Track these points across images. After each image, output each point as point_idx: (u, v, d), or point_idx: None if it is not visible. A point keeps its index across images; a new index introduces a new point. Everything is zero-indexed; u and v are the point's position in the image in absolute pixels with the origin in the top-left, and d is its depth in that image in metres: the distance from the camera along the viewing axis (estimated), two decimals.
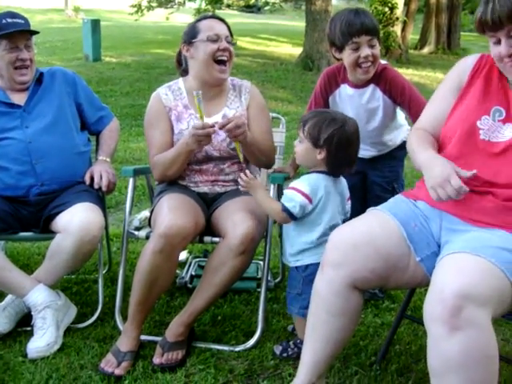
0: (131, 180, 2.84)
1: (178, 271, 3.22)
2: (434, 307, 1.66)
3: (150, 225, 2.66)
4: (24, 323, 2.67)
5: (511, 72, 1.96)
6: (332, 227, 2.28)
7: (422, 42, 20.33)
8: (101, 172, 2.83)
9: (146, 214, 2.82)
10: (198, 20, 2.76)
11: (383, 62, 2.75)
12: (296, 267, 2.37)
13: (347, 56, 2.63)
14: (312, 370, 2.06)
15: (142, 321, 2.53)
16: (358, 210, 2.35)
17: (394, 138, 2.92)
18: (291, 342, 2.53)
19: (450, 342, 1.61)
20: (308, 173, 2.36)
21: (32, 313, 2.59)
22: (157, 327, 2.75)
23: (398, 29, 16.04)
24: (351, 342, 2.56)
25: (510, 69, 1.94)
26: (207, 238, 2.59)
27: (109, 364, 2.39)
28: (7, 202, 2.70)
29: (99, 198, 2.83)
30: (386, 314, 2.90)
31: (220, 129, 2.49)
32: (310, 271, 2.28)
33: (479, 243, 1.79)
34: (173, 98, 2.78)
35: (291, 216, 2.28)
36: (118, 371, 2.36)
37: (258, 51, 16.51)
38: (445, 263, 1.77)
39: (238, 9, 39.92)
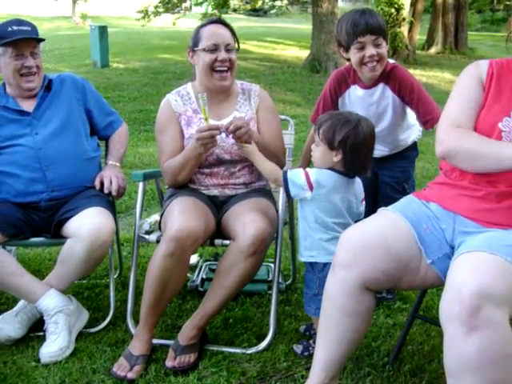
0: (141, 184, 2.85)
1: (189, 275, 3.22)
2: (451, 307, 1.65)
3: (160, 228, 2.67)
4: (36, 328, 2.68)
5: None
6: (340, 225, 2.29)
7: (429, 42, 20.27)
8: (111, 177, 2.84)
9: (156, 217, 2.82)
10: (203, 25, 2.75)
11: (392, 61, 2.75)
12: (312, 267, 2.37)
13: (353, 55, 2.65)
14: (325, 371, 2.05)
15: (154, 324, 2.53)
16: (368, 209, 2.35)
17: (406, 138, 2.92)
18: (311, 341, 2.53)
19: (467, 342, 1.60)
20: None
21: (44, 318, 2.59)
22: (168, 331, 2.76)
23: (404, 29, 16.02)
24: (363, 343, 2.55)
25: None
26: (218, 241, 2.59)
27: (121, 368, 2.39)
28: (18, 208, 2.71)
29: (109, 202, 2.84)
30: (397, 314, 2.89)
31: (224, 131, 2.50)
32: (327, 271, 2.27)
33: (494, 242, 1.78)
34: (182, 103, 2.79)
35: (286, 184, 2.32)
36: (130, 375, 2.37)
37: (265, 54, 16.52)
38: (461, 262, 1.76)
39: (245, 13, 40.01)
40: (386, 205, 2.20)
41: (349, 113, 2.39)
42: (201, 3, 16.70)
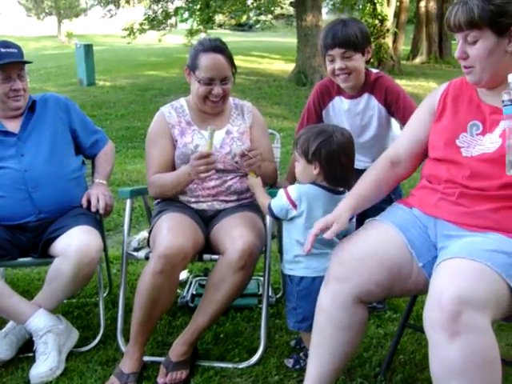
0: (128, 201, 2.85)
1: (178, 291, 3.22)
2: (432, 314, 1.67)
3: (148, 245, 2.66)
4: (26, 349, 2.65)
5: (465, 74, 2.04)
6: (322, 241, 2.28)
7: (414, 53, 20.47)
8: (98, 195, 2.83)
9: (144, 234, 2.82)
10: (202, 49, 2.70)
11: (375, 70, 2.77)
12: (290, 280, 2.37)
13: (327, 67, 2.69)
14: None
15: (145, 342, 2.52)
16: (357, 221, 2.35)
17: None
18: (302, 354, 2.53)
19: (450, 348, 1.61)
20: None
21: (33, 338, 2.57)
22: (159, 348, 2.74)
23: (389, 40, 16.20)
24: (355, 354, 2.54)
25: (463, 70, 2.03)
26: (206, 256, 2.59)
27: None
28: (5, 229, 2.69)
29: (97, 220, 2.83)
30: (388, 324, 2.90)
31: (241, 158, 2.59)
32: (303, 286, 2.30)
33: (474, 247, 1.80)
34: (176, 115, 2.82)
35: (272, 213, 2.35)
36: None
37: (251, 69, 16.59)
38: (441, 269, 1.78)
39: (230, 28, 40.21)
40: (374, 216, 2.22)
41: (325, 125, 2.42)
42: (186, 19, 16.76)
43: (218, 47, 2.70)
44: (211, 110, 2.77)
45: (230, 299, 2.48)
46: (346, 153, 2.29)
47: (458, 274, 1.70)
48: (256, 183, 2.57)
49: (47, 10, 41.93)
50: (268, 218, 2.65)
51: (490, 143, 1.97)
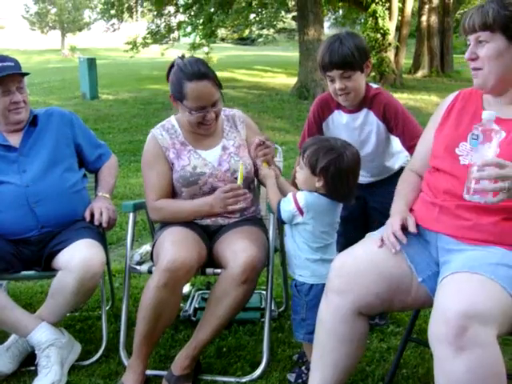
0: (131, 215, 2.86)
1: (181, 304, 3.21)
2: (438, 328, 1.67)
3: (152, 259, 2.66)
4: (28, 363, 2.65)
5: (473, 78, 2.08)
6: (330, 247, 2.33)
7: (416, 66, 20.52)
8: (101, 208, 2.84)
9: (147, 248, 2.82)
10: (186, 78, 2.57)
11: (375, 86, 2.78)
12: (298, 291, 2.38)
13: (329, 86, 2.70)
14: None
15: (147, 355, 2.52)
16: (359, 235, 2.35)
17: (392, 165, 2.93)
18: (304, 368, 2.52)
19: (455, 363, 1.62)
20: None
21: (36, 352, 2.57)
22: (162, 361, 2.74)
23: (391, 54, 16.25)
24: (358, 368, 2.54)
25: (472, 73, 2.06)
26: (209, 270, 2.59)
27: None
28: (8, 242, 2.70)
29: (100, 234, 2.84)
30: (391, 338, 2.89)
31: (257, 148, 2.57)
32: (313, 295, 2.31)
33: (477, 261, 1.81)
34: (168, 137, 2.75)
35: (279, 214, 2.37)
36: None
37: (254, 82, 16.66)
38: (446, 284, 1.79)
39: (232, 41, 40.42)
40: (376, 230, 2.22)
41: (335, 139, 2.40)
42: (189, 34, 16.87)
43: (202, 73, 2.57)
44: (206, 132, 2.72)
45: (232, 313, 2.47)
46: (353, 173, 2.32)
47: (463, 289, 1.70)
48: (269, 175, 2.56)
49: (51, 24, 42.26)
50: (271, 232, 2.66)
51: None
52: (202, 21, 15.67)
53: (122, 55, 22.16)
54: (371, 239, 2.15)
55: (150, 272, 2.57)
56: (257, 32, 25.72)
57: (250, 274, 2.39)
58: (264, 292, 3.13)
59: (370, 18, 15.72)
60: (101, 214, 2.81)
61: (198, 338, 2.49)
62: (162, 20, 18.53)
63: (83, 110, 11.76)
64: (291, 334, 2.88)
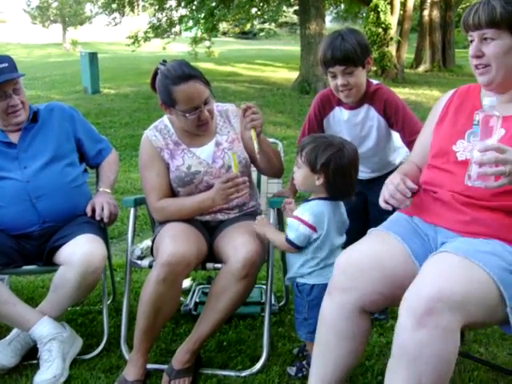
0: (132, 210, 2.87)
1: (182, 298, 3.23)
2: (409, 300, 1.72)
3: (152, 254, 2.68)
4: (30, 356, 2.67)
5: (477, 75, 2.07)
6: (334, 250, 2.32)
7: (418, 61, 20.50)
8: (102, 203, 2.85)
9: (147, 243, 2.84)
10: (172, 82, 2.55)
11: (375, 82, 2.79)
12: (299, 291, 2.38)
13: (330, 82, 2.71)
14: None
15: (148, 349, 2.53)
16: (359, 231, 2.35)
17: (393, 160, 2.94)
18: (304, 362, 2.53)
19: (411, 335, 1.68)
20: (308, 199, 2.37)
21: (38, 345, 2.59)
22: (163, 355, 2.76)
23: (392, 49, 16.21)
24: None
25: (475, 70, 2.06)
26: (209, 265, 2.61)
27: None
28: (10, 237, 2.72)
29: (101, 229, 2.85)
30: (391, 333, 2.86)
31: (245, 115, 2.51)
32: (314, 295, 2.31)
33: (472, 247, 1.84)
34: (161, 137, 2.74)
35: (295, 246, 2.30)
36: None
37: (255, 77, 16.64)
38: (433, 260, 1.84)
39: (234, 36, 40.36)
40: (377, 225, 2.23)
41: (332, 136, 2.40)
42: (190, 28, 16.82)
43: (186, 74, 2.55)
44: (205, 131, 2.71)
45: (232, 308, 2.49)
46: (353, 168, 2.31)
47: (446, 271, 1.75)
48: (263, 223, 2.52)
49: (52, 18, 42.13)
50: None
51: None
52: (203, 15, 15.62)
53: (124, 49, 22.10)
54: (374, 235, 2.16)
55: (150, 267, 2.59)
56: (258, 26, 25.70)
57: (250, 269, 2.40)
58: (264, 286, 3.14)
59: (372, 13, 15.67)
60: (102, 209, 2.83)
61: (198, 332, 2.51)
62: (164, 14, 18.46)
63: (85, 105, 11.76)
64: (291, 329, 2.91)
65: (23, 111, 2.84)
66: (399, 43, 17.09)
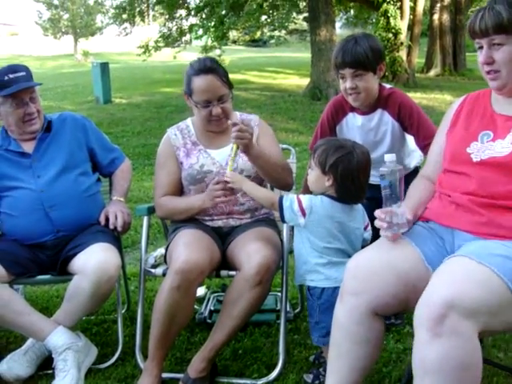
0: (145, 219, 2.88)
1: (196, 307, 3.22)
2: (422, 311, 1.71)
3: (165, 262, 2.67)
4: (45, 366, 2.67)
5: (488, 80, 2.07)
6: (336, 251, 2.32)
7: (428, 65, 20.44)
8: (116, 212, 2.85)
9: (161, 251, 2.83)
10: (193, 73, 2.69)
11: (388, 86, 2.78)
12: (311, 294, 2.38)
13: (340, 85, 2.71)
14: None
15: (163, 358, 2.52)
16: (373, 236, 2.35)
17: (407, 164, 2.92)
18: (321, 369, 2.51)
19: (430, 348, 1.66)
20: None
21: (53, 355, 2.58)
22: (178, 364, 2.74)
23: (403, 53, 16.18)
24: (374, 369, 2.53)
25: (487, 76, 2.05)
26: (224, 272, 2.60)
27: None
28: (24, 247, 2.72)
29: (115, 237, 2.85)
30: (407, 338, 2.87)
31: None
32: (325, 298, 2.31)
33: (486, 250, 1.81)
34: (181, 136, 2.83)
35: (280, 212, 2.34)
36: None
37: (266, 84, 16.66)
38: (445, 266, 1.82)
39: (244, 44, 40.50)
40: None
41: (344, 139, 2.42)
42: (200, 36, 16.90)
43: (208, 68, 2.67)
44: (217, 128, 2.76)
45: (247, 315, 2.47)
46: (363, 172, 2.31)
47: (457, 276, 1.72)
48: (241, 180, 2.51)
49: (64, 30, 42.54)
50: (285, 233, 2.65)
51: (500, 148, 1.99)
52: (213, 23, 15.70)
53: (135, 59, 22.26)
54: (386, 240, 2.14)
55: (164, 275, 2.57)
56: (268, 34, 25.74)
57: (264, 276, 2.39)
58: (279, 294, 3.12)
59: (382, 18, 15.66)
60: (116, 218, 2.82)
61: (213, 340, 2.49)
62: (174, 23, 18.59)
63: (97, 114, 11.82)
64: (307, 336, 2.88)
65: (38, 120, 2.86)
66: (410, 48, 17.06)
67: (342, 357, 2.05)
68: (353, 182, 2.28)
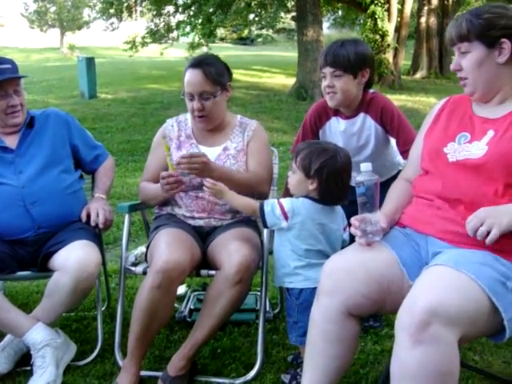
0: (127, 216, 2.87)
1: (176, 305, 3.22)
2: (404, 317, 1.72)
3: (146, 260, 2.67)
4: (23, 363, 2.66)
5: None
6: (317, 253, 2.34)
7: (415, 68, 20.57)
8: (97, 209, 2.84)
9: (141, 249, 2.83)
10: (187, 65, 2.78)
11: (371, 90, 2.80)
12: (289, 294, 2.40)
13: (322, 84, 2.75)
14: None
15: (142, 356, 2.53)
16: (352, 237, 2.37)
17: (390, 166, 2.94)
18: (299, 370, 2.52)
19: (410, 354, 1.67)
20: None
21: (31, 352, 2.57)
22: (157, 362, 2.75)
23: (389, 55, 16.28)
24: (351, 371, 2.55)
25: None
26: (204, 272, 2.60)
27: None
28: (4, 242, 2.70)
29: (96, 235, 2.85)
30: (385, 340, 2.90)
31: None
32: (303, 298, 2.33)
33: (463, 258, 1.84)
34: (177, 128, 2.89)
35: (262, 218, 2.36)
36: None
37: (252, 83, 16.67)
38: (424, 274, 1.84)
39: (232, 41, 40.46)
40: None
41: (326, 142, 2.44)
42: (188, 33, 16.87)
43: (199, 62, 2.74)
44: (200, 125, 2.81)
45: (227, 313, 2.49)
46: (346, 174, 2.34)
47: (437, 284, 1.74)
48: (221, 190, 2.49)
49: (50, 23, 42.23)
50: (265, 234, 2.66)
51: (476, 150, 2.02)
52: (200, 21, 15.68)
53: (121, 54, 22.17)
54: None
55: (144, 273, 2.58)
56: (256, 32, 25.75)
57: (244, 275, 2.40)
58: (259, 293, 3.13)
59: (369, 19, 15.74)
60: (97, 215, 2.82)
61: (193, 338, 2.50)
62: (161, 19, 18.52)
63: (81, 109, 11.78)
64: (286, 336, 2.89)
65: (21, 113, 2.85)
66: (396, 50, 17.15)
67: (316, 356, 2.07)
68: (337, 184, 2.31)
